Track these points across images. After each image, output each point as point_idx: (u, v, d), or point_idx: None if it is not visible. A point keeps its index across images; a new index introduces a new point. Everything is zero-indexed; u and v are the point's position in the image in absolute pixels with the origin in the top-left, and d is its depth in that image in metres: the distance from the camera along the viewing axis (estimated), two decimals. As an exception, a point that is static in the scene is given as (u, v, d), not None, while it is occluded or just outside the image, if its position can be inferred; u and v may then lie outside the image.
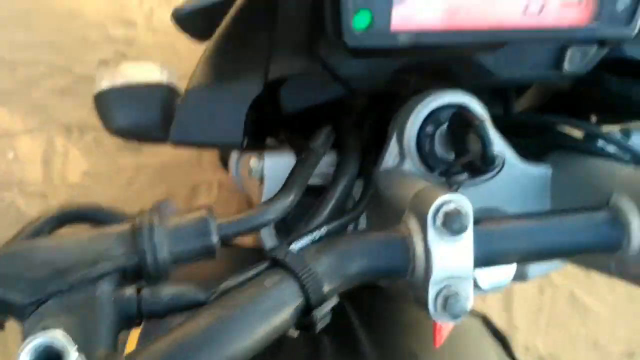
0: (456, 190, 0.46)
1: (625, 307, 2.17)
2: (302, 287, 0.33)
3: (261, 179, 0.47)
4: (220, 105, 0.44)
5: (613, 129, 0.58)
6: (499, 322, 1.98)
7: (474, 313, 0.63)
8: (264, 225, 0.37)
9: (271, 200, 0.38)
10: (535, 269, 0.53)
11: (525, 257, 0.41)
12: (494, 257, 0.40)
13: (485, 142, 0.42)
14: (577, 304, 2.06)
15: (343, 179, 0.43)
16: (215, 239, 0.34)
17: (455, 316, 0.36)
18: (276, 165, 0.47)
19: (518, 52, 0.49)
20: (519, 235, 0.40)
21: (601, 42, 0.50)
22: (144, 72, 0.72)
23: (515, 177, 0.50)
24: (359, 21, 0.43)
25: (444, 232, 0.36)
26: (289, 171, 0.47)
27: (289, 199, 0.38)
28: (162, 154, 1.47)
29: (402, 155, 0.46)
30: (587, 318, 2.04)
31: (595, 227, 0.42)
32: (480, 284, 0.49)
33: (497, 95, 0.64)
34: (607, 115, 0.63)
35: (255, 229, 0.36)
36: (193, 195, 1.46)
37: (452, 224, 0.36)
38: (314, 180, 0.46)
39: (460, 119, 0.44)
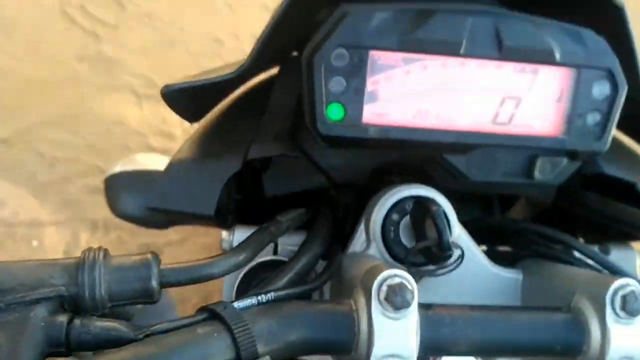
0: (417, 281, 0.47)
1: None
2: (234, 342, 0.33)
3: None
4: (198, 178, 0.48)
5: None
6: None
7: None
8: (207, 278, 0.38)
9: (220, 256, 0.39)
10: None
11: (478, 349, 0.40)
12: (442, 343, 0.39)
13: (440, 228, 0.43)
14: None
15: (304, 255, 0.44)
16: (154, 283, 0.35)
17: None
18: (244, 237, 0.49)
19: (490, 157, 0.51)
20: (471, 324, 0.40)
21: (572, 155, 0.52)
22: (155, 161, 0.78)
23: (485, 278, 0.50)
24: (333, 113, 0.47)
25: (387, 307, 0.37)
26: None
27: (238, 258, 0.39)
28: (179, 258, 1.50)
29: (368, 241, 0.48)
30: None
31: (554, 327, 0.41)
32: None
33: (483, 203, 0.66)
34: (591, 234, 0.63)
35: (197, 281, 0.37)
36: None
37: (395, 297, 0.36)
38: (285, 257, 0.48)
39: (420, 207, 0.46)
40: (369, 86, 0.47)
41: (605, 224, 0.57)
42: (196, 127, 0.54)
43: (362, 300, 0.38)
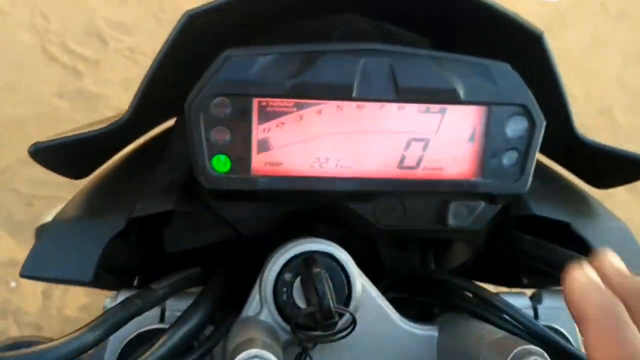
0: (311, 349, 0.43)
1: None
2: None
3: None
4: (76, 240, 0.44)
5: (523, 292, 0.54)
6: None
7: None
8: None
9: (62, 339, 0.36)
10: None
11: None
12: None
13: (320, 293, 0.39)
14: None
15: (187, 322, 0.41)
16: None
17: None
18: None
19: (398, 203, 0.47)
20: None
21: (491, 199, 0.48)
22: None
23: (397, 338, 0.46)
24: (218, 165, 0.44)
25: None
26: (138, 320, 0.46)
27: (85, 339, 0.36)
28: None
29: (261, 304, 0.44)
30: None
31: None
32: None
33: (417, 250, 0.62)
34: (533, 279, 0.59)
35: None
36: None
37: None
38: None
39: (306, 266, 0.42)
40: (260, 134, 0.44)
41: (542, 269, 0.53)
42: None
43: None
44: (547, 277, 0.56)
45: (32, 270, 0.44)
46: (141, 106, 0.44)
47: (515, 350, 0.36)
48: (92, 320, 0.37)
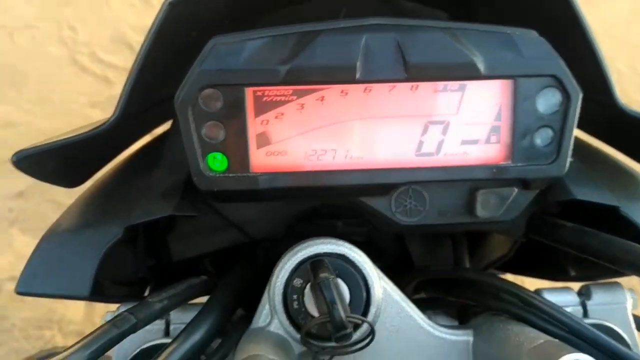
0: (328, 360, 0.39)
1: None
2: None
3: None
4: (71, 253, 0.41)
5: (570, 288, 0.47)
6: None
7: None
8: None
9: (64, 352, 0.32)
10: None
11: None
12: None
13: (329, 301, 0.35)
14: None
15: (190, 336, 0.37)
16: None
17: None
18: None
19: (419, 196, 0.42)
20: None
21: (524, 184, 0.42)
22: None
23: (427, 345, 0.41)
24: (214, 163, 0.40)
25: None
26: (142, 335, 0.42)
27: (79, 356, 0.32)
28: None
29: (271, 313, 0.40)
30: None
31: None
32: None
33: (449, 245, 0.57)
34: (577, 271, 0.52)
35: None
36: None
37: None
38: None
39: (314, 273, 0.37)
40: (257, 128, 0.40)
41: (587, 259, 0.47)
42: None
43: None
44: (596, 268, 0.50)
45: (26, 286, 0.41)
46: (130, 104, 0.41)
47: (569, 357, 0.31)
48: (82, 339, 0.33)
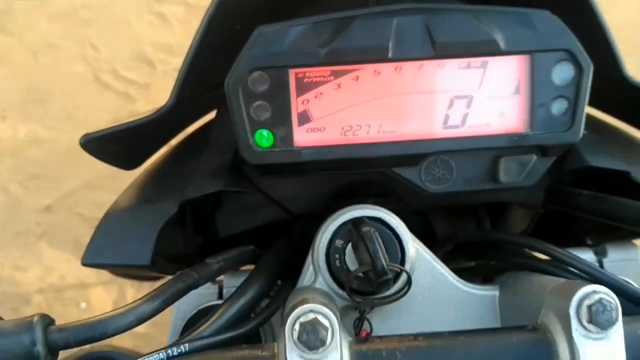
0: (368, 312, 0.42)
1: None
2: None
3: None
4: (132, 226, 0.45)
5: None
6: None
7: None
8: (102, 337, 0.35)
9: (119, 309, 0.36)
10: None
11: None
12: None
13: (371, 250, 0.39)
14: None
15: (242, 296, 0.41)
16: (40, 348, 0.33)
17: None
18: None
19: (447, 165, 0.46)
20: (412, 356, 0.35)
21: (542, 151, 0.46)
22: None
23: (456, 299, 0.45)
24: (261, 140, 0.44)
25: (301, 347, 0.33)
26: (201, 295, 0.46)
27: (140, 311, 0.36)
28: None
29: (315, 272, 0.44)
30: None
31: (514, 352, 0.36)
32: None
33: (471, 220, 0.60)
34: (593, 236, 0.56)
35: (91, 340, 0.34)
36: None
37: (307, 336, 0.33)
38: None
39: (356, 229, 0.41)
40: (299, 107, 0.44)
41: (603, 223, 0.50)
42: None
43: (282, 343, 0.34)
44: (611, 232, 0.54)
45: (92, 258, 0.45)
46: (183, 92, 0.45)
47: (579, 291, 0.35)
48: (151, 292, 0.37)
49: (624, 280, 0.41)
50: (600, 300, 0.34)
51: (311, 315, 0.33)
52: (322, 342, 0.33)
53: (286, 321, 0.34)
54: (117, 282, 1.50)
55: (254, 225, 0.53)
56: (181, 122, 0.51)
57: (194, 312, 0.46)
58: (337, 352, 0.33)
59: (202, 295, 0.47)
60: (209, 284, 0.48)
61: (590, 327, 0.34)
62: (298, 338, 0.33)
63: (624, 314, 0.35)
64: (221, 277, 0.49)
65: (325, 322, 0.33)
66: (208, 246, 0.54)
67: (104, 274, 1.51)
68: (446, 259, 0.53)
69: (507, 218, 0.61)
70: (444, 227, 0.60)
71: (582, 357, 0.34)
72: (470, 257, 0.52)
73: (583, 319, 0.34)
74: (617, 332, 0.34)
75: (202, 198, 0.47)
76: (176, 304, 0.46)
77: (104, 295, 1.48)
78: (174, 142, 0.56)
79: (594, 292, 0.34)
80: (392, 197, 0.52)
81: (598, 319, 0.34)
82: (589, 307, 0.34)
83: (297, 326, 0.33)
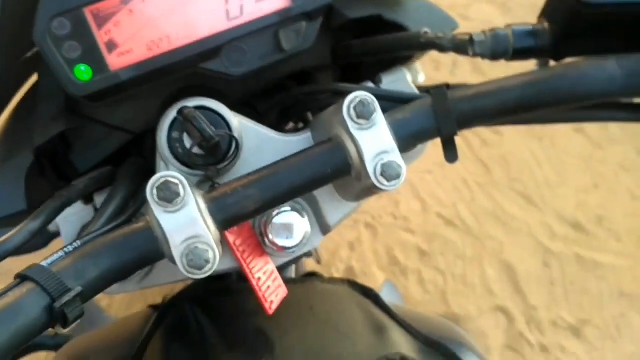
0: (216, 178, 0.54)
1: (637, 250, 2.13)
2: (43, 289, 0.38)
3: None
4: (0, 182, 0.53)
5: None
6: (513, 305, 1.96)
7: (337, 281, 0.68)
8: (6, 255, 0.43)
9: (17, 228, 0.45)
10: (333, 217, 0.59)
11: (266, 204, 0.47)
12: (232, 213, 0.46)
13: (195, 124, 0.50)
14: (587, 264, 2.04)
15: (110, 200, 0.51)
16: None
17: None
18: (68, 214, 0.55)
19: (240, 49, 0.57)
20: (252, 186, 0.46)
21: (308, 17, 0.58)
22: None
23: (280, 150, 0.56)
24: (81, 74, 0.52)
25: (163, 204, 0.43)
26: (81, 217, 0.55)
27: (32, 226, 0.45)
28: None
29: (166, 164, 0.54)
30: (603, 272, 2.01)
31: (322, 158, 0.49)
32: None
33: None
34: (376, 74, 0.70)
35: None
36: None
37: (163, 194, 0.43)
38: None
39: (182, 116, 0.52)
40: (103, 38, 0.53)
41: (377, 61, 0.64)
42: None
43: (149, 209, 0.44)
44: (388, 65, 0.68)
45: None
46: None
47: (346, 100, 0.48)
48: (34, 212, 0.46)
49: (394, 91, 0.56)
50: (360, 101, 0.48)
51: (162, 179, 0.43)
52: (177, 194, 0.43)
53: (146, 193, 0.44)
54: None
55: (107, 154, 0.61)
56: (8, 90, 0.57)
57: (79, 231, 0.55)
58: (192, 201, 0.43)
59: (82, 217, 0.56)
60: (85, 206, 0.57)
61: (360, 120, 0.48)
62: (158, 197, 0.43)
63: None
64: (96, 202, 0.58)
65: (175, 180, 0.43)
66: None
67: None
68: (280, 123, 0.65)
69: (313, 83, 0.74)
70: (266, 107, 0.71)
71: (362, 143, 0.47)
72: (294, 121, 0.64)
73: (353, 117, 0.48)
74: (380, 119, 0.48)
75: (52, 143, 0.54)
76: (62, 231, 0.55)
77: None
78: (7, 113, 0.62)
79: (355, 97, 0.48)
80: (216, 97, 0.62)
81: (362, 113, 0.47)
82: (355, 107, 0.48)
83: (154, 191, 0.43)
